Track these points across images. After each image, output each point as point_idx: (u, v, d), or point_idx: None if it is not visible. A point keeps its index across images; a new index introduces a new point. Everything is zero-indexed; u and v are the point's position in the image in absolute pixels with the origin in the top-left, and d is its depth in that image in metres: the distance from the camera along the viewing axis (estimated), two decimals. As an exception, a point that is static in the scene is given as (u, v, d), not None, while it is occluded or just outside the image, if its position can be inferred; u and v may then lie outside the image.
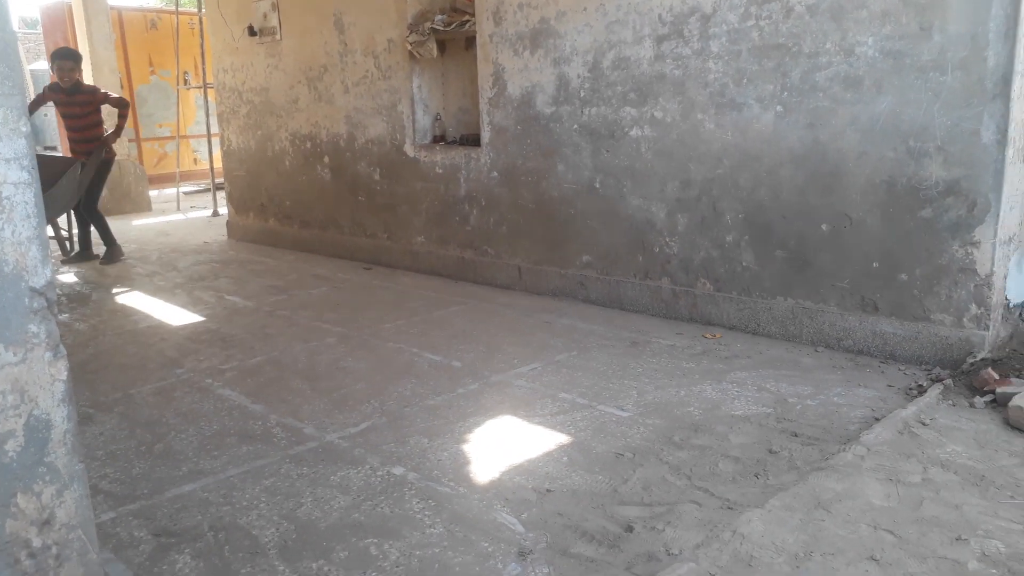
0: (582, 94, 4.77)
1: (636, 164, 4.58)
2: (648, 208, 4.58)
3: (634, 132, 4.56)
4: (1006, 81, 3.27)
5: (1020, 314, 3.71)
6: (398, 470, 2.83)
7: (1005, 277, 3.56)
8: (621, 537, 2.35)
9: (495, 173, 5.39)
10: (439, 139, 6.00)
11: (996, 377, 3.19)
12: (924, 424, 2.94)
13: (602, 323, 4.56)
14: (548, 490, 2.66)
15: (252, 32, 7.16)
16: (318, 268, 6.50)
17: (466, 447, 3.02)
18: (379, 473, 2.82)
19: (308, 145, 6.97)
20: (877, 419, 3.05)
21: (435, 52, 5.72)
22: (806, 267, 4.00)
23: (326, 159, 6.82)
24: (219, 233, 8.41)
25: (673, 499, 2.56)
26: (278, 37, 6.94)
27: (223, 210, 9.29)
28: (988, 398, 3.11)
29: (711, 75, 4.16)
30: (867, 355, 3.81)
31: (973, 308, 3.50)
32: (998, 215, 3.39)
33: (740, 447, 2.91)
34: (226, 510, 2.58)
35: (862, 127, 3.69)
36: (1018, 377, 3.23)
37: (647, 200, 4.58)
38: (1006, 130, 3.31)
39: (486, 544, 2.33)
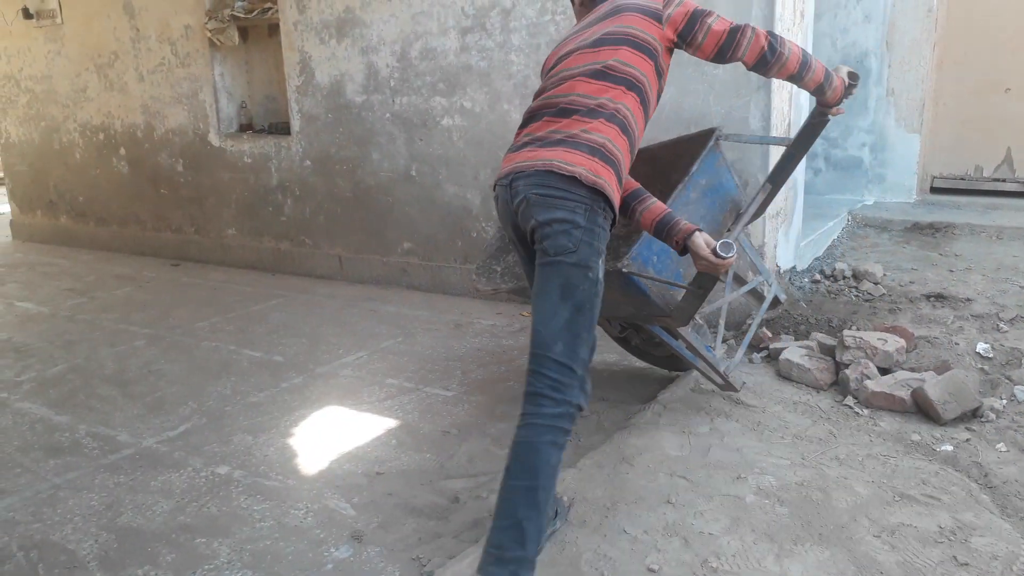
0: (392, 83, 4.83)
1: (450, 152, 4.72)
2: (464, 195, 4.74)
3: (445, 121, 4.68)
4: (767, 74, 3.70)
5: (789, 279, 4.23)
6: (223, 469, 2.81)
7: (775, 247, 4.04)
8: (448, 508, 2.49)
9: (308, 162, 5.33)
10: (246, 128, 5.83)
11: (769, 335, 3.64)
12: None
13: (426, 308, 4.68)
14: (378, 473, 2.74)
15: (28, 15, 6.55)
16: (120, 267, 6.12)
17: (293, 441, 3.04)
18: (203, 474, 2.78)
19: (101, 136, 6.51)
20: (672, 379, 3.40)
21: (236, 40, 5.53)
22: (609, 245, 4.31)
23: (122, 151, 6.41)
24: (2, 234, 7.66)
25: (496, 468, 2.71)
26: (59, 21, 6.40)
27: (5, 208, 8.46)
28: (764, 354, 3.54)
29: (514, 67, 4.36)
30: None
31: (750, 274, 3.94)
32: (766, 192, 3.83)
33: (555, 415, 3.13)
34: (36, 527, 2.45)
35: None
36: (787, 333, 3.69)
37: (462, 187, 4.73)
38: (769, 117, 3.76)
39: (318, 531, 2.39)
